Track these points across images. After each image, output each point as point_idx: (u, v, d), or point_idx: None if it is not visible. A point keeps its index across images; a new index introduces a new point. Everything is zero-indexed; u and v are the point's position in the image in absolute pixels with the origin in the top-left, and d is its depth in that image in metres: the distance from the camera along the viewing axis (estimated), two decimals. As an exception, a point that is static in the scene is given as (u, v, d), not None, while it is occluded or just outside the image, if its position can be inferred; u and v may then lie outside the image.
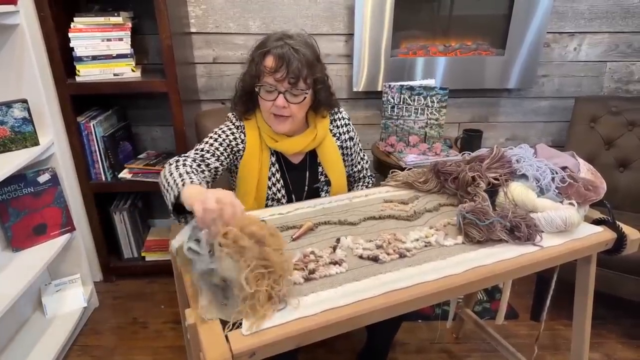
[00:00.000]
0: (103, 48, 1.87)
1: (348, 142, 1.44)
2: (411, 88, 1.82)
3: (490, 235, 1.04)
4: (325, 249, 1.03)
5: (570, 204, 1.12)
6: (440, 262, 0.98)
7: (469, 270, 0.95)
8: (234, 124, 1.34)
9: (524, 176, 1.19)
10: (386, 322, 1.41)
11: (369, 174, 1.56)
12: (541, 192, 1.16)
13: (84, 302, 1.90)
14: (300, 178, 1.39)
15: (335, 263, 0.97)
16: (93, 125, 1.95)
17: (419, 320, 1.95)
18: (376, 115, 2.26)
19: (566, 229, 1.08)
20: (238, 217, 0.86)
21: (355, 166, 1.50)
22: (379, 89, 2.15)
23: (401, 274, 0.94)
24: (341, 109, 1.44)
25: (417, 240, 1.06)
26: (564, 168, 1.19)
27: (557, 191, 1.15)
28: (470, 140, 1.90)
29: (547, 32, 2.16)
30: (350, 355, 1.75)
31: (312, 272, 0.95)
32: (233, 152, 1.32)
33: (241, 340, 0.77)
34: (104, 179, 2.03)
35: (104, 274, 2.20)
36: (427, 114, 1.83)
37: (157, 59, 2.12)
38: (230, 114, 1.37)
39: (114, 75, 1.91)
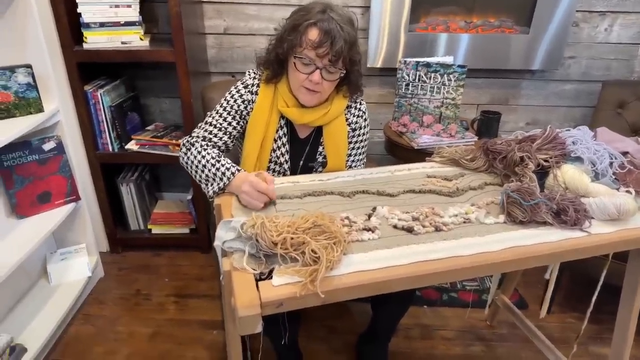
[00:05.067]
0: (111, 15, 1.82)
1: (355, 137, 1.37)
2: (427, 65, 1.73)
3: (534, 217, 1.00)
4: (360, 216, 1.03)
5: (628, 191, 1.06)
6: (477, 238, 0.96)
7: (506, 249, 0.93)
8: (244, 84, 1.30)
9: (578, 159, 1.14)
10: (394, 304, 1.40)
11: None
12: (596, 177, 1.12)
13: (88, 271, 1.91)
14: (299, 152, 1.35)
15: (368, 230, 0.97)
16: (100, 94, 1.92)
17: (425, 306, 1.90)
18: (391, 94, 2.18)
19: (619, 218, 1.03)
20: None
21: (346, 163, 1.39)
22: (397, 66, 2.06)
23: (434, 246, 0.93)
24: (362, 100, 1.38)
25: (456, 215, 1.04)
26: (624, 153, 1.14)
27: (614, 177, 1.10)
28: (488, 122, 1.81)
29: (577, 11, 2.03)
30: (351, 337, 1.72)
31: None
32: (242, 116, 1.30)
33: (271, 290, 0.80)
34: (110, 149, 2.01)
35: (111, 244, 2.21)
36: (444, 93, 1.74)
37: (167, 29, 2.06)
38: (250, 71, 1.33)
39: (122, 43, 1.86)
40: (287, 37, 1.18)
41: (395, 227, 0.99)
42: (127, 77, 2.13)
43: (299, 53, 1.17)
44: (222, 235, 0.90)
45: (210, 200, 1.14)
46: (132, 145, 2.00)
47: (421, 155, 1.75)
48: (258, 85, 1.28)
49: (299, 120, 1.28)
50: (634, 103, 1.95)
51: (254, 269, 0.84)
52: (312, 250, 0.82)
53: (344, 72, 1.21)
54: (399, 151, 1.83)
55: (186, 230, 2.20)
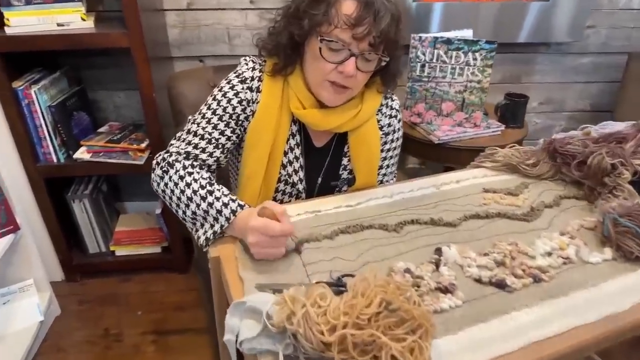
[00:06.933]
0: (40, -12, 1.40)
1: (387, 143, 1.06)
2: (448, 41, 1.42)
3: None
4: (425, 265, 0.73)
5: None
6: (592, 290, 0.70)
7: (638, 304, 0.67)
8: (240, 78, 0.94)
9: None
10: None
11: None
12: None
13: (39, 315, 1.53)
14: (317, 167, 1.03)
15: (444, 290, 0.68)
16: (35, 92, 1.51)
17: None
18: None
19: None
20: None
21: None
22: (409, 43, 1.75)
23: (543, 312, 0.65)
24: (394, 96, 1.06)
25: (550, 254, 0.76)
26: None
27: None
28: (514, 107, 1.55)
29: (599, -28, 1.77)
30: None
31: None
32: (239, 122, 0.95)
33: None
34: (55, 160, 1.61)
35: (66, 273, 1.83)
36: (467, 75, 1.45)
37: (115, 5, 1.65)
38: (246, 58, 0.97)
39: (58, 25, 1.45)
40: (309, 10, 0.84)
41: (478, 281, 0.71)
42: (70, 68, 1.71)
43: (327, 34, 0.84)
44: (236, 327, 0.59)
45: (204, 250, 0.82)
46: (82, 154, 1.61)
47: (441, 150, 1.48)
48: (260, 79, 0.94)
49: (320, 126, 0.95)
50: (666, 77, 1.73)
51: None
52: (392, 357, 0.52)
53: (386, 59, 0.89)
54: (412, 146, 1.54)
55: (157, 250, 1.85)
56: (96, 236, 1.82)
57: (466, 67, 1.44)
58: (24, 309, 1.54)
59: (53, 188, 1.68)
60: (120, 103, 1.87)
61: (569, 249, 0.77)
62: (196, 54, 1.82)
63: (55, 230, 1.73)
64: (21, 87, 1.49)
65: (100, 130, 1.73)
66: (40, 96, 1.52)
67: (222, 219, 0.80)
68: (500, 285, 0.69)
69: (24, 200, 1.61)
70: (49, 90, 1.57)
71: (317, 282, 0.65)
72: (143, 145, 1.62)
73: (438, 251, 0.76)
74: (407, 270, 0.71)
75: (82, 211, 1.75)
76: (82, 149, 1.62)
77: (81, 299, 1.77)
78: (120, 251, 1.83)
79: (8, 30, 1.42)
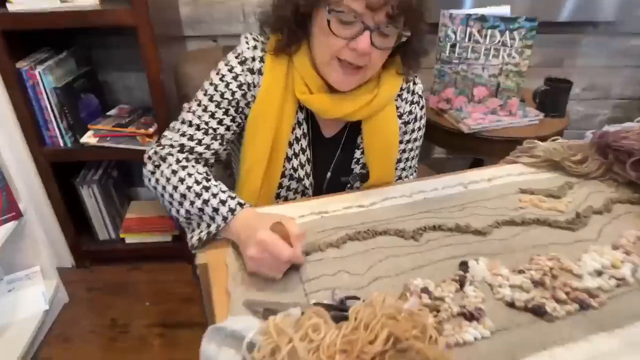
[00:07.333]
0: (42, -38, 1.32)
1: (407, 134, 0.93)
2: (483, 18, 1.27)
3: None
4: (447, 284, 0.61)
5: None
6: None
7: None
8: (239, 59, 0.83)
9: None
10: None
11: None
12: None
13: (44, 304, 1.49)
14: (326, 160, 0.91)
15: (469, 317, 0.56)
16: (39, 72, 1.44)
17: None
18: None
19: None
20: None
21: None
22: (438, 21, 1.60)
23: (592, 347, 0.53)
24: (417, 78, 0.93)
25: (601, 273, 0.63)
26: None
27: None
28: (555, 94, 1.38)
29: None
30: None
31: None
32: (240, 109, 0.84)
33: None
34: (62, 143, 1.56)
35: (76, 258, 1.79)
36: (504, 57, 1.30)
37: (123, -20, 1.56)
38: (247, 35, 0.85)
39: (62, 1, 1.37)
40: None
41: (511, 305, 0.59)
42: (78, 47, 1.64)
43: (336, 4, 0.71)
44: (212, 356, 0.49)
45: (193, 251, 0.73)
46: (89, 138, 1.54)
47: (471, 140, 1.34)
48: (262, 60, 0.82)
49: (329, 114, 0.83)
50: None
51: None
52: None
53: (408, 34, 0.76)
54: (439, 135, 1.41)
55: (167, 238, 1.79)
56: (106, 223, 1.77)
57: (502, 48, 1.28)
58: (30, 296, 1.50)
59: (62, 173, 1.63)
60: (132, 85, 1.79)
61: (623, 267, 0.64)
62: (209, 33, 1.72)
63: (63, 216, 1.68)
64: (25, 68, 1.43)
65: (109, 113, 1.65)
66: (45, 77, 1.46)
67: (218, 219, 0.70)
68: (538, 312, 0.57)
69: (31, 185, 1.56)
70: (55, 71, 1.50)
71: (315, 304, 0.55)
72: (151, 130, 1.54)
73: (463, 266, 0.64)
74: (425, 290, 0.60)
75: (90, 197, 1.70)
76: (89, 133, 1.56)
77: (90, 286, 1.73)
78: (130, 239, 1.78)
79: (10, 7, 1.34)
